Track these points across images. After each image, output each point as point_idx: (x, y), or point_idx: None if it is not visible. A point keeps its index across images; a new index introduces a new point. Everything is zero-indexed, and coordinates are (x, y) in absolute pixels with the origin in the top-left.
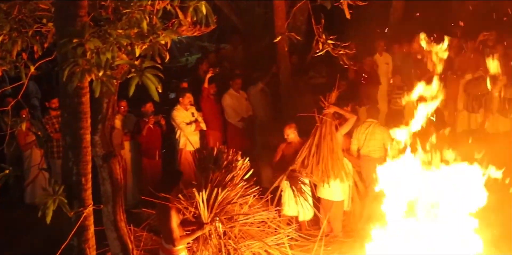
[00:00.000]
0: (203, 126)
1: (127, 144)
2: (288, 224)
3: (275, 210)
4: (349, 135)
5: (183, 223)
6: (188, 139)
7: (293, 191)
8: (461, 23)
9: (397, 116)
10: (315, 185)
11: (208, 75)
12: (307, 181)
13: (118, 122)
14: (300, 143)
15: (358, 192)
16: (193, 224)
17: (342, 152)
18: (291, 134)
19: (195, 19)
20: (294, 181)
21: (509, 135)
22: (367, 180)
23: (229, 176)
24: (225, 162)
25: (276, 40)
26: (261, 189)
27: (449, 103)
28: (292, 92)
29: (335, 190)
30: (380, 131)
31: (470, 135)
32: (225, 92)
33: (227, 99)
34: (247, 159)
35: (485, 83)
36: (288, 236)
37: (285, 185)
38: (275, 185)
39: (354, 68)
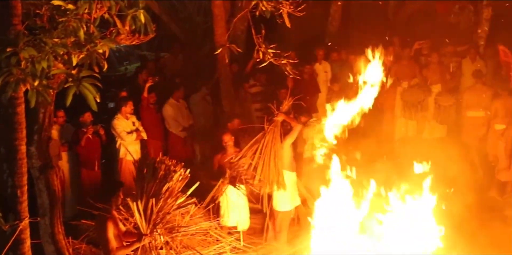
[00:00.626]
0: (144, 135)
1: (64, 155)
2: (229, 233)
3: (216, 220)
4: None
5: (125, 235)
6: (127, 148)
7: (232, 200)
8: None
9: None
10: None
11: (148, 84)
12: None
13: (55, 133)
14: (236, 152)
15: (305, 202)
16: (134, 235)
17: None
18: (229, 141)
19: (133, 27)
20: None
21: (444, 141)
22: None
23: (166, 187)
24: (163, 173)
25: (217, 52)
26: (200, 199)
27: (387, 111)
28: (232, 101)
29: (280, 200)
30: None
31: (407, 141)
32: (165, 101)
33: (168, 109)
34: (188, 170)
35: (421, 90)
36: (229, 245)
37: (223, 195)
38: (211, 195)
39: (297, 77)
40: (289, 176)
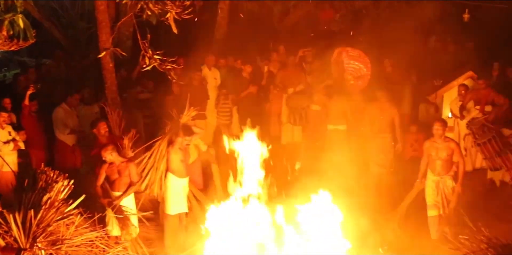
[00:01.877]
0: (22, 145)
1: None
2: (116, 243)
3: (103, 230)
4: None
5: (4, 250)
6: (4, 159)
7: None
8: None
9: (225, 130)
10: None
11: (29, 92)
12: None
13: None
14: (125, 162)
15: (200, 204)
16: (13, 250)
17: None
18: (109, 155)
19: (11, 33)
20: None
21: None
22: None
23: (46, 197)
24: (44, 183)
25: (100, 56)
26: (87, 209)
27: (273, 117)
28: (119, 108)
29: (166, 204)
30: None
31: (294, 146)
32: (56, 105)
33: (60, 111)
34: (72, 180)
35: (306, 97)
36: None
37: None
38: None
39: (182, 82)
40: (176, 181)
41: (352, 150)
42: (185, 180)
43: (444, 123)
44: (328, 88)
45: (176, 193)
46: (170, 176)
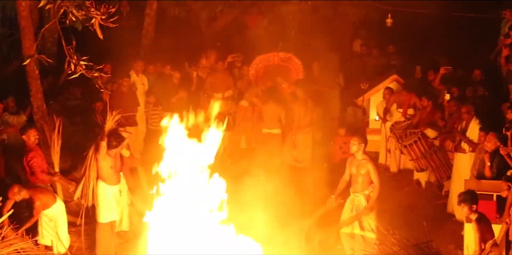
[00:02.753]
0: None
1: None
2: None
3: (33, 240)
4: None
5: None
6: None
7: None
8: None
9: (155, 136)
10: None
11: None
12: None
13: None
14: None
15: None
16: None
17: None
18: (17, 196)
19: None
20: None
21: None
22: None
23: None
24: None
25: (25, 63)
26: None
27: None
28: (44, 115)
29: (98, 211)
30: None
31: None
32: None
33: None
34: None
35: (234, 102)
36: None
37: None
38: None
39: (108, 91)
40: (106, 189)
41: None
42: (116, 188)
43: (361, 139)
44: (261, 93)
45: (106, 200)
46: (100, 183)
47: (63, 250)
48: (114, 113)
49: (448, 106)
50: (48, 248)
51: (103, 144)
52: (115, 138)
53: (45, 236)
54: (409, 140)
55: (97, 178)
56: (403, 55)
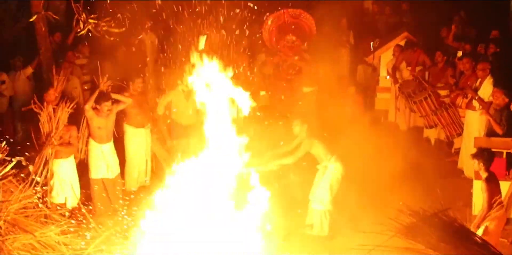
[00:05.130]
0: None
1: None
2: (58, 210)
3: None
4: None
5: None
6: None
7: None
8: None
9: None
10: None
11: None
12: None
13: None
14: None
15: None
16: None
17: None
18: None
19: None
20: None
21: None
22: None
23: None
24: None
25: (32, 19)
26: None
27: None
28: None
29: (90, 168)
30: None
31: None
32: None
33: None
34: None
35: None
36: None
37: (55, 169)
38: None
39: (123, 47)
40: (95, 146)
41: None
42: (106, 146)
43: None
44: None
45: (95, 157)
46: (91, 141)
47: (76, 204)
48: (105, 78)
49: (461, 63)
50: (61, 205)
51: (86, 107)
52: (104, 99)
53: (59, 195)
54: (419, 97)
55: (88, 136)
56: (416, 13)
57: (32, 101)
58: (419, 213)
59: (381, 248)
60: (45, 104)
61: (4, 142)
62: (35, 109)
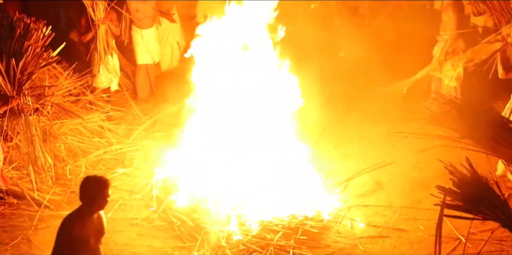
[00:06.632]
0: None
1: None
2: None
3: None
4: None
5: None
6: None
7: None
8: None
9: None
10: None
11: None
12: None
13: None
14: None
15: None
16: (1, 98)
17: None
18: None
19: None
20: None
21: None
22: None
23: (26, 45)
24: (21, 31)
25: None
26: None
27: None
28: None
29: (136, 54)
30: None
31: None
32: None
33: None
34: (49, 27)
35: None
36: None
37: (100, 47)
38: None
39: None
40: (135, 31)
41: None
42: (147, 31)
43: None
44: None
45: (137, 43)
46: (132, 27)
47: (116, 87)
48: None
49: None
50: (104, 90)
51: None
52: None
53: (104, 81)
54: None
55: (131, 22)
56: None
57: None
58: (452, 101)
59: (414, 136)
60: None
61: (49, 28)
62: None
